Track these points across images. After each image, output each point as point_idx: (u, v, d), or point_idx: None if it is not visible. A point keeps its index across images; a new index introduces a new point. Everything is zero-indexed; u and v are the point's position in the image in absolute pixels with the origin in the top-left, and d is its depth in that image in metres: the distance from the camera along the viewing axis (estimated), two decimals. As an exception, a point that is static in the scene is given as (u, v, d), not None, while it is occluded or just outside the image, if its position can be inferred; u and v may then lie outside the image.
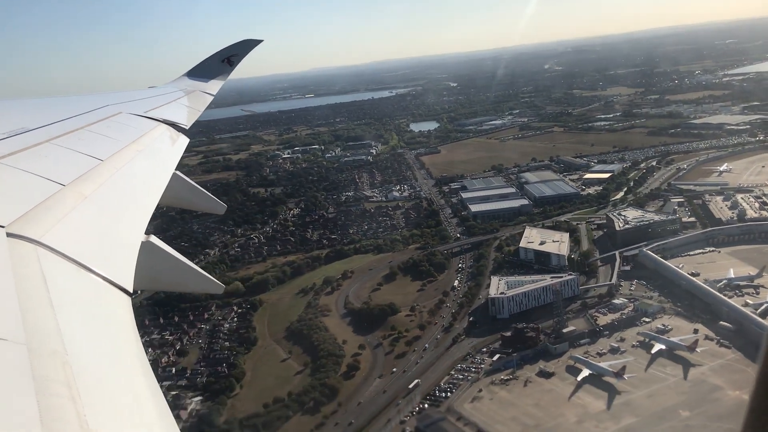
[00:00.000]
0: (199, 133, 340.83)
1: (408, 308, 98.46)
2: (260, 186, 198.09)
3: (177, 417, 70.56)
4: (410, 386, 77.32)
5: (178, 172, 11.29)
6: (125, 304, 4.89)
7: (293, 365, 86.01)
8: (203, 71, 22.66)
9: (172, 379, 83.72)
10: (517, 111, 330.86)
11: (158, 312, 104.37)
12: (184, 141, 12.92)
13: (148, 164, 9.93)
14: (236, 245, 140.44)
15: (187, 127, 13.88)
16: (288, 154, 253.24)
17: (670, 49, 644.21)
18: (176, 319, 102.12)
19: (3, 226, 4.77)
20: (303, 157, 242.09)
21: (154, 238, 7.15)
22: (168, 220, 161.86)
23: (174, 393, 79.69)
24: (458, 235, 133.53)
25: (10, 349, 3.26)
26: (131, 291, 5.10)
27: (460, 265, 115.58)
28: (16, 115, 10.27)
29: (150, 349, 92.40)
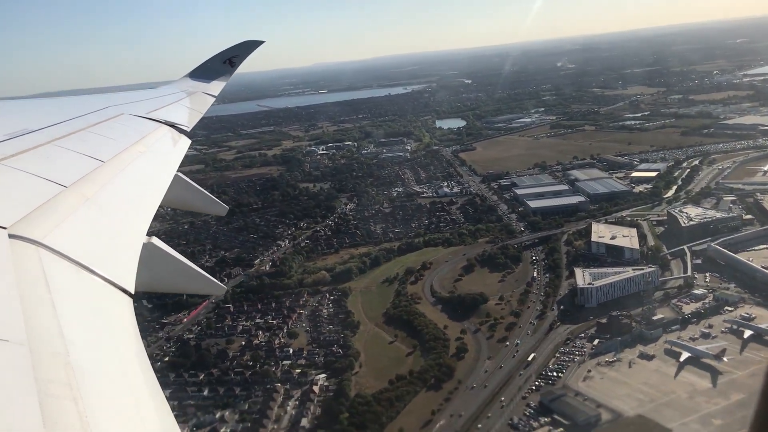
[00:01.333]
0: (222, 128, 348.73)
1: (497, 297, 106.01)
2: (306, 181, 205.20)
3: (311, 391, 77.78)
4: (528, 359, 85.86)
5: (179, 174, 11.64)
6: (127, 305, 5.01)
7: (401, 347, 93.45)
8: (205, 72, 23.18)
9: (291, 358, 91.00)
10: (543, 109, 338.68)
11: (253, 298, 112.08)
12: (185, 142, 13.20)
13: (150, 165, 10.19)
14: (304, 237, 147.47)
15: (188, 129, 14.24)
16: (323, 150, 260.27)
17: (680, 48, 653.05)
18: (274, 304, 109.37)
19: (5, 228, 4.87)
20: (339, 153, 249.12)
21: (155, 240, 7.38)
22: (229, 213, 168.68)
23: (298, 371, 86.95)
24: (521, 229, 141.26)
25: (12, 350, 3.32)
26: (132, 292, 5.24)
27: (533, 258, 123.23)
28: (19, 116, 10.62)
29: (260, 332, 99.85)
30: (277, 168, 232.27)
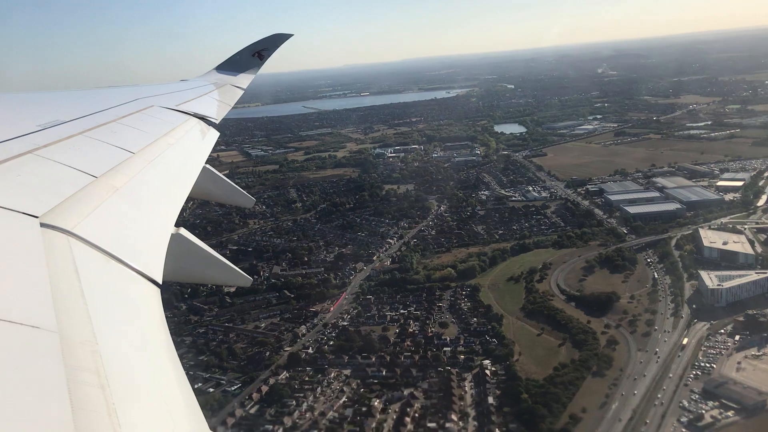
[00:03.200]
0: (279, 129, 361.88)
1: (627, 296, 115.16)
2: (387, 183, 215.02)
3: (483, 374, 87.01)
4: (678, 351, 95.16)
5: (208, 166, 11.97)
6: (154, 296, 5.27)
7: (550, 339, 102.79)
8: (233, 65, 23.73)
9: (449, 345, 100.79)
10: (600, 116, 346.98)
11: (389, 291, 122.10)
12: (214, 135, 13.62)
13: (179, 157, 10.51)
14: (410, 236, 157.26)
15: (217, 121, 14.76)
16: (391, 153, 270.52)
17: (723, 56, 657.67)
18: (411, 297, 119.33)
19: (37, 217, 5.14)
20: (409, 156, 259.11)
21: (183, 231, 7.77)
22: (326, 212, 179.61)
23: (462, 357, 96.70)
24: (624, 233, 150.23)
25: (43, 337, 3.50)
26: (160, 282, 5.52)
27: (648, 261, 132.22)
28: (51, 107, 10.98)
29: (410, 321, 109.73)
30: (352, 169, 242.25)
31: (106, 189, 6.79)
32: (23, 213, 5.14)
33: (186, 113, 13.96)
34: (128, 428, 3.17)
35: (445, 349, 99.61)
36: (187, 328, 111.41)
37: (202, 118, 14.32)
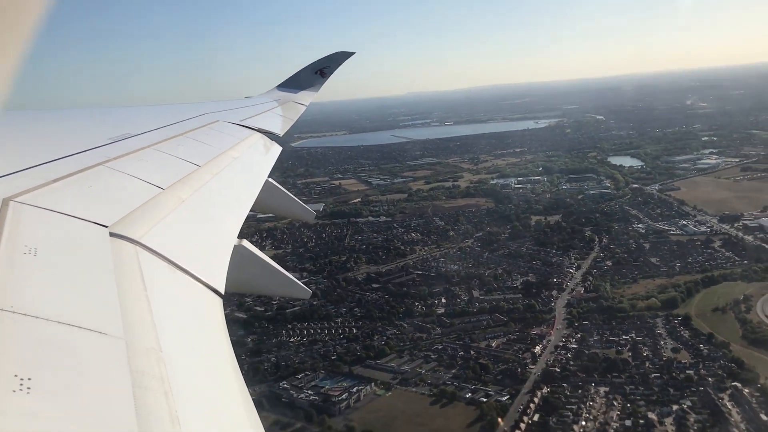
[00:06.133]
0: (385, 158, 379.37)
1: None
2: (530, 213, 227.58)
3: (741, 395, 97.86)
4: None
5: (270, 180, 13.07)
6: (217, 306, 5.63)
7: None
8: (295, 83, 25.39)
9: (691, 368, 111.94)
10: (715, 151, 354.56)
11: (598, 319, 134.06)
12: (277, 149, 14.88)
13: (243, 171, 11.53)
14: (587, 267, 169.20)
15: (280, 136, 16.13)
16: (516, 183, 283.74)
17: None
18: (626, 323, 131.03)
19: (106, 226, 5.60)
20: (538, 188, 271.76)
21: (246, 243, 8.33)
22: (484, 241, 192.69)
23: (711, 379, 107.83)
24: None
25: (110, 343, 3.80)
26: (223, 293, 5.90)
27: None
28: (121, 121, 12.33)
29: (639, 345, 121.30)
30: (484, 199, 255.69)
31: (172, 200, 7.43)
32: (94, 222, 5.66)
33: (250, 128, 15.21)
34: None
35: (687, 371, 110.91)
36: (423, 344, 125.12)
37: (267, 133, 15.53)
